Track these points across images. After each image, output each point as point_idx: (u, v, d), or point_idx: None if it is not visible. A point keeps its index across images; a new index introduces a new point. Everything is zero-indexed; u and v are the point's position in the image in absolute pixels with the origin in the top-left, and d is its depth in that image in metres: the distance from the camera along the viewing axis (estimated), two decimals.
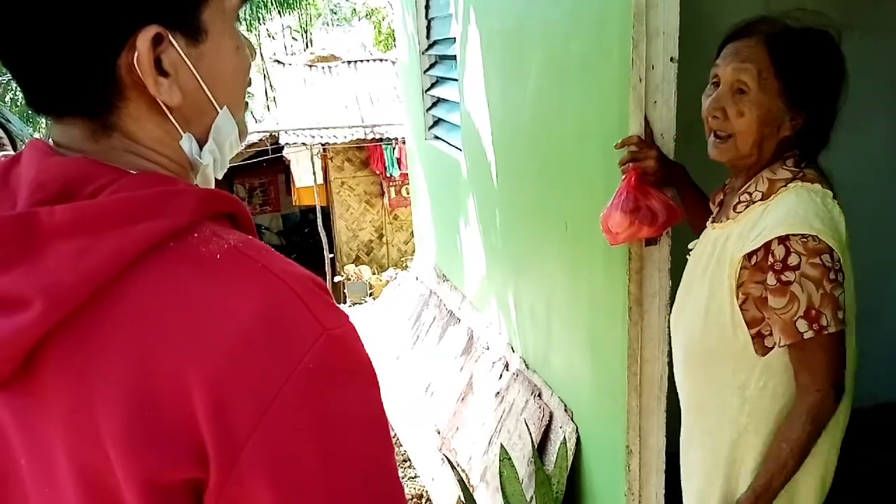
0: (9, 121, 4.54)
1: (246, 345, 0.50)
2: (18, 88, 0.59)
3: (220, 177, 0.67)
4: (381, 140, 9.06)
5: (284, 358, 0.51)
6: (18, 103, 9.38)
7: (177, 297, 0.52)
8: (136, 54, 0.53)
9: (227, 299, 0.52)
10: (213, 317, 0.51)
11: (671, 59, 1.65)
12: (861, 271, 1.36)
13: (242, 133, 0.67)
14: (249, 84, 0.67)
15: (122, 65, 0.54)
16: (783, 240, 1.20)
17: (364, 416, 0.55)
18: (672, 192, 1.64)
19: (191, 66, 0.57)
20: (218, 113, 0.62)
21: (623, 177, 1.61)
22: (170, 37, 0.55)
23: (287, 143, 9.00)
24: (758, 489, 1.30)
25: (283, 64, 10.80)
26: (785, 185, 1.27)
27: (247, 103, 0.70)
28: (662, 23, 1.64)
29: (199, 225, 0.55)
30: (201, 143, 0.62)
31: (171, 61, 0.56)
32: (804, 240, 1.19)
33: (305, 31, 19.45)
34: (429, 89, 4.10)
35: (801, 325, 1.20)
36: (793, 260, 1.19)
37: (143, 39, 0.53)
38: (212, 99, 0.60)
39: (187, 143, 0.60)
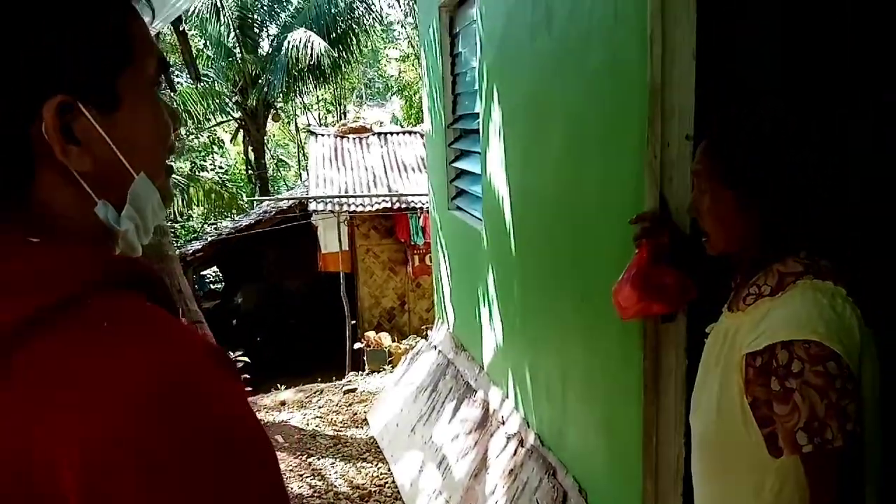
0: None
1: (125, 421, 0.48)
2: None
3: (144, 242, 0.65)
4: (406, 209, 9.20)
5: (167, 436, 0.48)
6: None
7: (59, 370, 0.50)
8: (42, 124, 0.54)
9: (108, 373, 0.49)
10: (92, 391, 0.49)
11: (686, 137, 1.65)
12: None
13: (165, 198, 0.66)
14: (172, 150, 0.67)
15: (33, 135, 0.55)
16: (786, 345, 1.13)
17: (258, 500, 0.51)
18: (689, 269, 1.62)
19: (104, 134, 0.57)
20: (135, 178, 0.61)
21: (636, 252, 1.60)
22: (80, 105, 0.56)
23: (315, 211, 9.18)
24: None
25: (317, 135, 11.14)
26: (794, 281, 1.21)
27: (170, 167, 0.69)
28: (677, 101, 1.66)
29: (95, 294, 0.54)
30: (120, 210, 0.62)
31: (83, 129, 0.56)
32: (807, 346, 1.11)
33: (340, 104, 20.15)
34: (453, 161, 4.19)
35: (801, 437, 1.11)
36: (796, 367, 1.11)
37: (48, 108, 0.54)
38: (127, 165, 0.60)
39: (102, 210, 0.60)
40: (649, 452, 1.82)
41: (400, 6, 14.93)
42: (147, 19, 0.64)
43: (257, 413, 5.94)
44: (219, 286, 13.94)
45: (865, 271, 1.26)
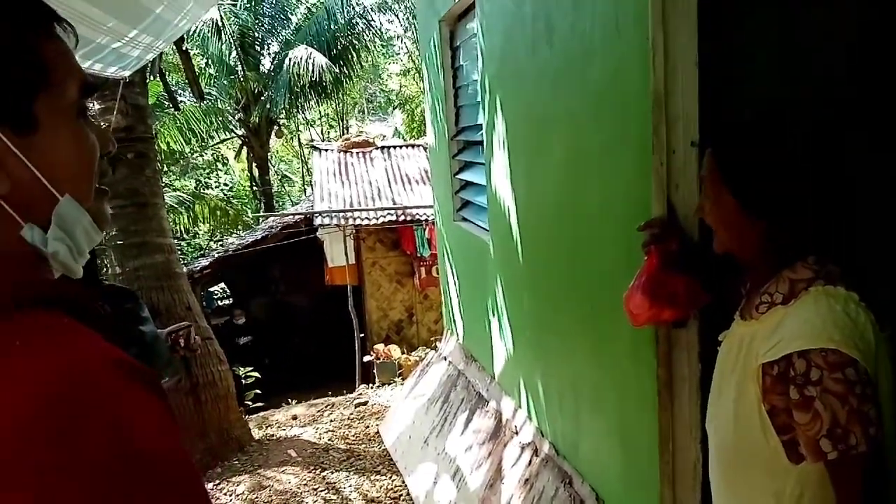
0: None
1: (21, 437, 0.47)
2: None
3: (80, 263, 0.66)
4: (411, 221, 9.22)
5: (65, 456, 0.46)
6: None
7: None
8: None
9: (10, 387, 0.49)
10: None
11: (692, 144, 1.66)
12: None
13: (100, 221, 0.66)
14: (104, 174, 0.68)
15: None
16: (803, 354, 1.14)
17: None
18: (699, 275, 1.63)
19: (20, 156, 0.58)
20: (59, 201, 0.62)
21: (645, 258, 1.61)
22: None
23: (321, 225, 9.21)
24: None
25: (320, 150, 11.20)
26: (806, 288, 1.22)
27: (105, 190, 0.70)
28: (681, 108, 1.67)
29: (15, 313, 0.55)
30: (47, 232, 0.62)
31: None
32: (824, 354, 1.12)
33: (342, 119, 20.25)
34: (457, 173, 4.21)
35: (825, 444, 1.12)
36: (814, 375, 1.12)
37: None
38: (50, 187, 0.61)
39: (28, 232, 0.60)
40: (666, 459, 1.82)
41: (399, 21, 15.05)
42: (71, 45, 0.64)
43: (269, 428, 5.93)
44: (227, 302, 13.98)
45: (875, 275, 1.27)
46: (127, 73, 4.22)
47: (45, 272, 0.63)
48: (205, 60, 14.56)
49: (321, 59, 12.08)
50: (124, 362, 0.54)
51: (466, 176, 4.03)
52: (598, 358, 2.29)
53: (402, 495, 4.06)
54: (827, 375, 1.12)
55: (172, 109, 11.68)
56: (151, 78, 6.26)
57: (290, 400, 7.27)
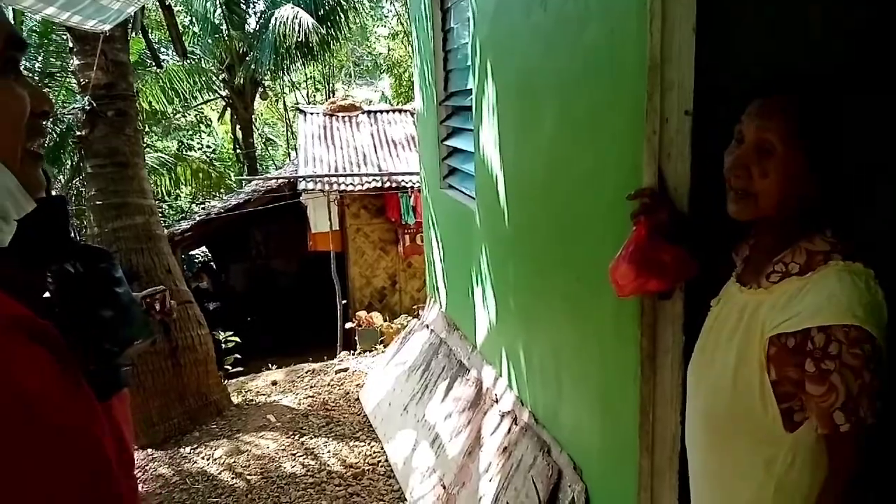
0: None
1: None
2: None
3: (6, 232, 0.61)
4: (397, 188, 9.15)
5: None
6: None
7: None
8: None
9: None
10: None
11: (686, 113, 1.63)
12: None
13: (30, 186, 0.62)
14: (40, 133, 0.63)
15: None
16: (824, 329, 1.15)
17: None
18: (688, 246, 1.60)
19: None
20: None
21: (633, 228, 1.58)
22: None
23: (305, 190, 9.11)
24: None
25: (305, 113, 11.02)
26: (825, 262, 1.21)
27: (38, 154, 0.65)
28: (677, 76, 1.63)
29: None
30: None
31: None
32: (846, 329, 1.13)
33: (328, 82, 19.93)
34: (445, 139, 4.14)
35: (839, 416, 1.15)
36: (833, 349, 1.14)
37: None
38: None
39: None
40: (646, 430, 1.82)
41: None
42: None
43: (248, 393, 5.90)
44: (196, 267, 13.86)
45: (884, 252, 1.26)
46: (107, 27, 4.08)
47: None
48: (188, 18, 14.20)
49: (308, 20, 11.79)
50: (15, 318, 0.52)
51: (454, 143, 3.97)
52: (581, 328, 2.28)
53: (380, 461, 4.08)
54: (846, 350, 1.13)
55: (154, 67, 11.38)
56: (133, 34, 6.07)
57: (270, 365, 7.26)
